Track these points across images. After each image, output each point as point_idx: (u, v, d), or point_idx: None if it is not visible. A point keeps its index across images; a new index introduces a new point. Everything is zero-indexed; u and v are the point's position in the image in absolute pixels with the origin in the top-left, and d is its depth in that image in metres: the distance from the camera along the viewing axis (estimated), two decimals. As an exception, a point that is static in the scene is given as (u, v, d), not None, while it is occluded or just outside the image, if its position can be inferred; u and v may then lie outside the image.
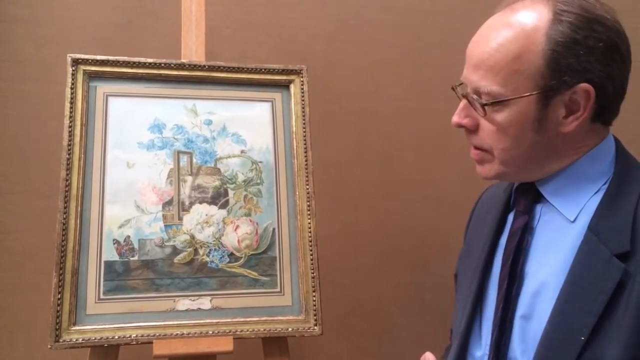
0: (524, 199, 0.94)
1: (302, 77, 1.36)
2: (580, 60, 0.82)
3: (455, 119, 0.91)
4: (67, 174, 1.18)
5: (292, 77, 1.36)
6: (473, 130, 0.91)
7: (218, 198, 1.26)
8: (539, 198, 0.92)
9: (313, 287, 1.24)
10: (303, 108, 1.34)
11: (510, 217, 0.98)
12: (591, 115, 0.85)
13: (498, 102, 0.84)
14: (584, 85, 0.82)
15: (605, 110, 0.87)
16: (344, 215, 1.65)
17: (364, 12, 1.67)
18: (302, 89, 1.35)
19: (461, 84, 0.91)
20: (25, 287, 1.47)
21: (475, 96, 0.87)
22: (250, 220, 1.27)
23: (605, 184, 0.88)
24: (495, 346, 0.89)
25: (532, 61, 0.82)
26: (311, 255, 1.25)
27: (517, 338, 0.87)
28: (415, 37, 1.67)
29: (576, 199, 0.88)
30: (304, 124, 1.33)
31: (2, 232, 1.46)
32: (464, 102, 0.90)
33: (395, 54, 1.68)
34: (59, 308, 1.12)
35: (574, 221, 0.87)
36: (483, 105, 0.86)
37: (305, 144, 1.32)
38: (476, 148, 0.92)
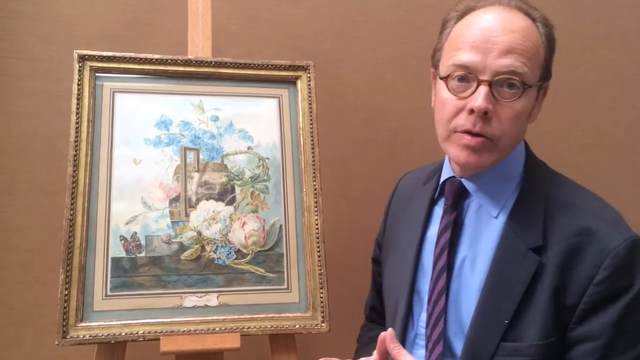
0: (452, 194, 1.01)
1: (309, 73, 1.35)
2: (552, 59, 0.95)
3: (483, 104, 0.88)
4: (74, 171, 1.18)
5: (299, 73, 1.35)
6: (490, 117, 0.90)
7: (225, 194, 1.26)
8: (465, 194, 1.00)
9: (320, 284, 1.23)
10: (310, 104, 1.33)
11: (437, 209, 1.06)
12: None
13: (529, 87, 0.90)
14: (548, 81, 0.96)
15: None
16: (351, 212, 1.64)
17: (371, 8, 1.66)
18: (309, 85, 1.34)
19: (448, 75, 0.93)
20: (33, 283, 1.47)
21: (513, 78, 0.88)
22: (257, 217, 1.26)
23: (519, 183, 0.98)
24: (431, 328, 0.97)
25: (541, 53, 0.92)
26: (318, 252, 1.25)
27: (450, 321, 0.96)
28: (423, 34, 1.66)
29: (497, 197, 0.97)
30: (311, 120, 1.32)
31: (9, 229, 1.46)
32: (486, 88, 0.89)
33: (403, 50, 1.67)
34: (66, 305, 1.12)
35: (496, 217, 0.96)
36: (524, 88, 0.89)
37: (312, 141, 1.31)
38: (480, 136, 0.91)
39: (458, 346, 0.94)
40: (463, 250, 0.98)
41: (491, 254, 0.94)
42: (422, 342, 1.00)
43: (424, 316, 1.01)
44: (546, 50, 0.93)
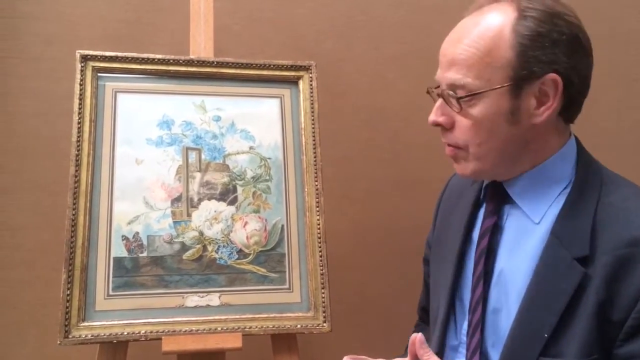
0: (493, 199, 0.98)
1: (310, 73, 1.35)
2: (547, 52, 0.86)
3: (432, 117, 0.94)
4: (76, 171, 1.18)
5: (300, 73, 1.35)
6: (449, 128, 0.94)
7: (227, 194, 1.26)
8: (506, 199, 0.96)
9: (322, 283, 1.23)
10: (312, 104, 1.33)
11: (481, 213, 1.02)
12: (559, 108, 0.90)
13: (473, 95, 0.88)
14: (552, 75, 0.86)
15: (571, 103, 0.91)
16: (352, 212, 1.64)
17: (373, 8, 1.66)
18: (311, 85, 1.34)
19: (438, 86, 0.95)
20: (35, 283, 1.47)
21: (450, 92, 0.90)
22: (259, 217, 1.26)
23: (567, 187, 0.92)
24: (470, 337, 0.94)
25: (502, 54, 0.86)
26: (320, 252, 1.25)
27: (488, 331, 0.93)
28: (424, 33, 1.66)
29: (541, 202, 0.92)
30: (313, 120, 1.32)
31: (12, 228, 1.47)
32: (440, 101, 0.93)
33: (404, 50, 1.67)
34: (68, 304, 1.12)
35: (538, 223, 0.91)
36: (459, 100, 0.89)
37: (314, 141, 1.31)
38: (450, 145, 0.95)
39: (496, 358, 0.90)
40: (502, 257, 0.94)
41: (532, 262, 0.89)
42: (464, 350, 0.96)
43: (466, 325, 0.97)
44: (520, 47, 0.86)
